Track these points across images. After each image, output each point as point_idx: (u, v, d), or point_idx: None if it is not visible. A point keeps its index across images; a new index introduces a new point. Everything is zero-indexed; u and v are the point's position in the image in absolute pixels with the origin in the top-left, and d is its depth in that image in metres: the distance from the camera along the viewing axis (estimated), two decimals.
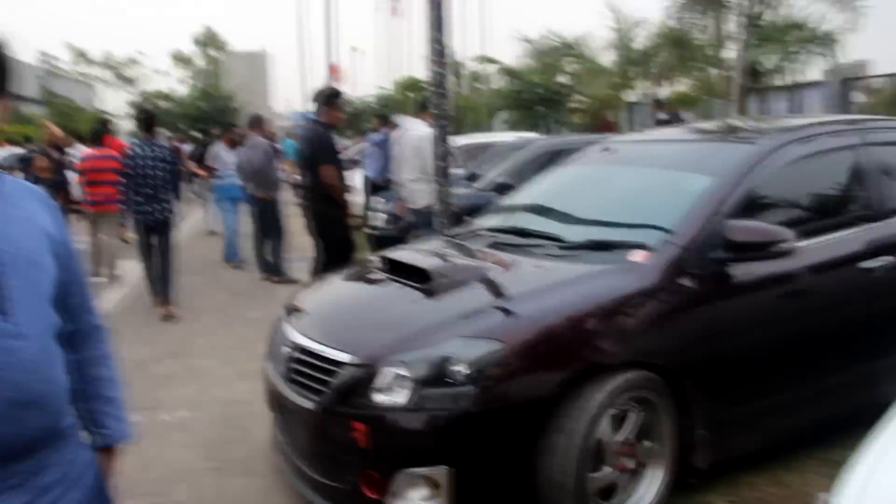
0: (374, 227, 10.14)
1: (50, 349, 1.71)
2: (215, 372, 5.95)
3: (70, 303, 1.89)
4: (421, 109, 8.41)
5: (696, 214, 3.67)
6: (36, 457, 1.68)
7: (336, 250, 6.92)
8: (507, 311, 3.33)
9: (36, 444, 1.67)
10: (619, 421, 3.28)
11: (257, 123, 10.25)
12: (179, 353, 6.51)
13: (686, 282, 3.48)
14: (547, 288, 3.47)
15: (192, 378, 5.81)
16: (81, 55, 48.94)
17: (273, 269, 9.69)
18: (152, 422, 4.74)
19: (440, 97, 6.84)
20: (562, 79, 23.23)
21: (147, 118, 8.45)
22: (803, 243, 3.71)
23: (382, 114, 15.28)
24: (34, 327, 1.66)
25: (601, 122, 18.32)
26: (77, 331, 1.94)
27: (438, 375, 3.05)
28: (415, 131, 8.08)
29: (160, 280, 8.10)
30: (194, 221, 16.26)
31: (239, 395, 5.28)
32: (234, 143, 11.38)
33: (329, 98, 7.27)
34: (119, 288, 9.45)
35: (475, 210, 6.40)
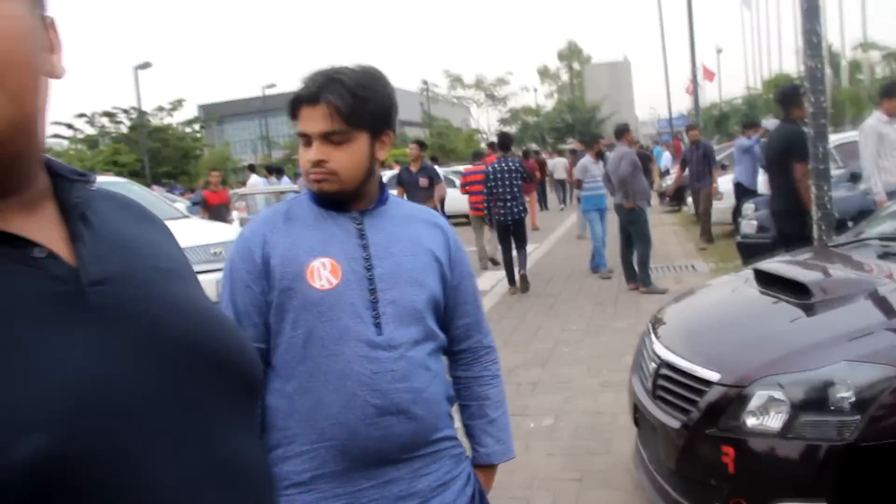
0: (744, 236, 9.65)
1: (421, 363, 1.81)
2: (581, 381, 6.02)
3: (458, 323, 2.00)
4: (885, 94, 7.69)
5: None
6: (410, 465, 1.80)
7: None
8: None
9: (405, 452, 1.79)
10: None
11: (622, 133, 10.32)
12: (546, 361, 6.70)
13: None
14: None
15: (558, 387, 5.94)
16: (457, 80, 52.80)
17: (640, 279, 9.62)
18: (519, 428, 4.93)
19: (816, 93, 6.32)
20: None
21: (502, 139, 10.87)
22: None
23: (751, 120, 14.72)
24: (404, 341, 1.79)
25: None
26: (465, 349, 2.04)
27: (819, 401, 2.78)
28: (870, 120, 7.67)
29: (512, 264, 10.17)
30: (564, 229, 16.74)
31: (603, 407, 5.30)
32: (599, 154, 11.53)
33: (792, 96, 7.22)
34: (490, 296, 10.00)
35: (860, 215, 5.81)
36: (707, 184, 13.10)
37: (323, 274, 1.77)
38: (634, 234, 9.66)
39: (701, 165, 13.24)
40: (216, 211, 12.64)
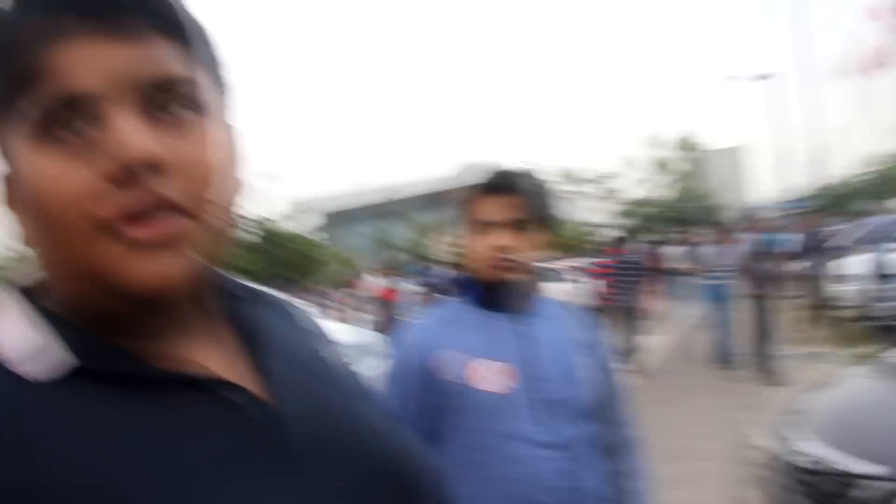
0: (883, 319, 9.19)
1: (588, 461, 1.83)
2: (716, 477, 5.76)
3: (604, 415, 1.98)
4: None
5: None
6: None
7: None
8: None
9: None
10: None
11: (746, 219, 10.28)
12: (680, 456, 6.42)
13: None
14: None
15: (694, 483, 5.68)
16: (568, 175, 52.77)
17: (765, 368, 9.25)
18: None
19: None
20: None
21: (618, 237, 12.89)
22: None
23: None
24: (572, 440, 1.81)
25: None
26: (610, 443, 2.00)
27: None
28: None
29: (629, 350, 10.79)
30: (681, 319, 16.34)
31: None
32: (720, 241, 11.32)
33: None
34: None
35: None
36: (817, 271, 12.86)
37: (491, 377, 1.80)
38: (758, 322, 9.41)
39: (812, 253, 13.23)
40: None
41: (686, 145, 63.44)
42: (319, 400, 0.79)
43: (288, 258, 43.04)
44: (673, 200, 52.40)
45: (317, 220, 53.75)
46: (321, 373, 0.85)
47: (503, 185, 1.87)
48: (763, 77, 33.73)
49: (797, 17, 24.86)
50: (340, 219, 59.54)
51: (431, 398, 1.82)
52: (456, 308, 1.95)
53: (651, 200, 54.58)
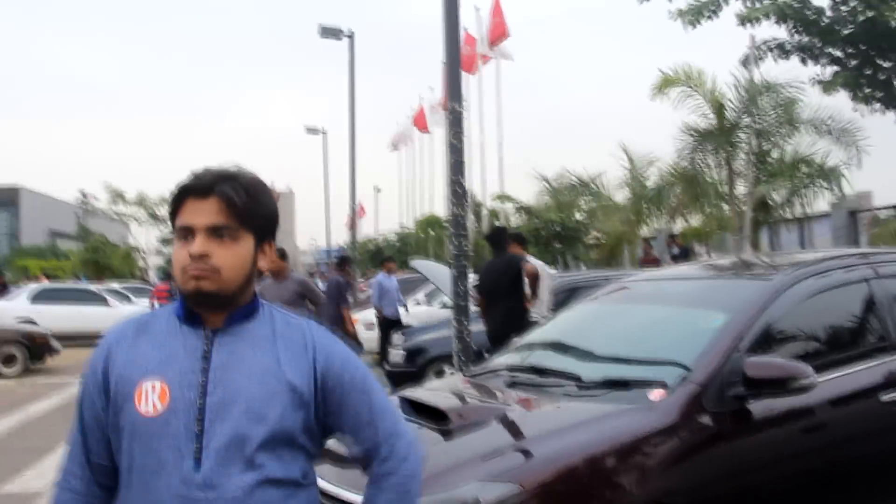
0: (392, 365, 10.14)
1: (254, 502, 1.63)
2: None
3: (360, 438, 1.82)
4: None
5: (714, 351, 3.65)
6: None
7: None
8: (525, 453, 3.30)
9: None
10: None
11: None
12: None
13: (705, 419, 3.44)
14: (565, 428, 3.43)
15: None
16: (119, 195, 49.56)
17: None
18: None
19: (460, 237, 6.99)
20: (578, 216, 23.46)
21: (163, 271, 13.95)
22: (822, 377, 3.66)
23: (389, 256, 16.51)
24: (226, 482, 1.60)
25: (646, 256, 18.43)
26: (374, 466, 1.85)
27: None
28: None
29: None
30: None
31: None
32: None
33: (501, 236, 8.36)
34: None
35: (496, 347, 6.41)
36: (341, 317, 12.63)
37: (150, 398, 1.62)
38: None
39: (338, 299, 12.36)
40: None
41: None
42: None
43: None
44: None
45: None
46: None
47: (199, 186, 1.70)
48: (313, 131, 35.39)
49: (348, 77, 26.26)
50: None
51: (106, 409, 1.68)
52: (153, 317, 1.78)
53: None
